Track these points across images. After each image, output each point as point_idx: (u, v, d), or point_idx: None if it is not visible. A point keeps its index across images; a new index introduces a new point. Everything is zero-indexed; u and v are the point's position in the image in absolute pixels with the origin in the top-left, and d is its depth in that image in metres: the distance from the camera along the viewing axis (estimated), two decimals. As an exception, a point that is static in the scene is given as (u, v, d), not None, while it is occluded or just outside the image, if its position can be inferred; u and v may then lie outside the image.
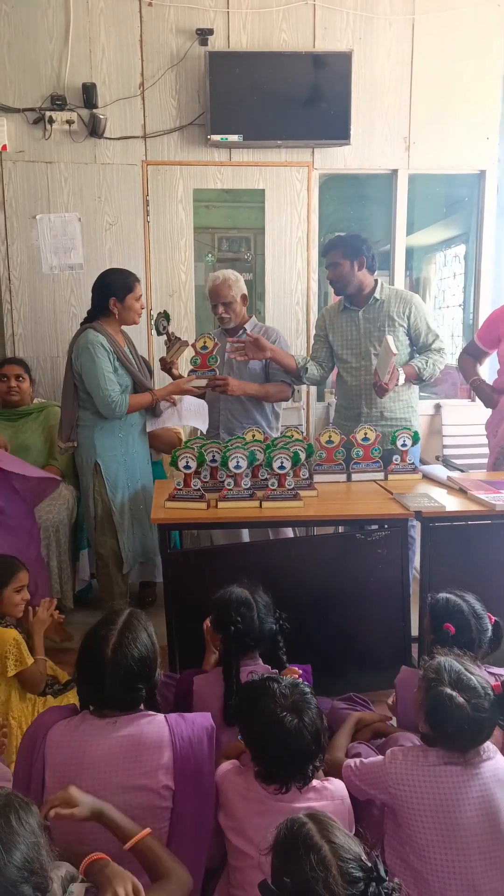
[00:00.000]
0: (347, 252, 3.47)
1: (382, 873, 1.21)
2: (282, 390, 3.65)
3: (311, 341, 3.98)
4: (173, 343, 3.50)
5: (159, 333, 3.51)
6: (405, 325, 3.52)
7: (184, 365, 3.66)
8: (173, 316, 3.54)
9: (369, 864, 1.22)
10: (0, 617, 2.67)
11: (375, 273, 3.60)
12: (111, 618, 1.86)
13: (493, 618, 2.25)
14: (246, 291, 3.63)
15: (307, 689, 1.76)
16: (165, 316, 3.49)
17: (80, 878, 1.38)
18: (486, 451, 3.79)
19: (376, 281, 3.57)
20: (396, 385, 3.39)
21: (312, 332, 4.43)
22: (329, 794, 1.74)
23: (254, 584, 2.32)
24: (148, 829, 1.58)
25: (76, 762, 1.71)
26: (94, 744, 1.73)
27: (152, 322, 3.48)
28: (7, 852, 1.13)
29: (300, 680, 1.82)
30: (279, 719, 1.67)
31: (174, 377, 3.56)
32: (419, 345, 3.56)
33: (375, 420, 3.54)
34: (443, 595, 2.29)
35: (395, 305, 3.51)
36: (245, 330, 3.61)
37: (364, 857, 1.24)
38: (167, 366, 3.52)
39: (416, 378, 3.50)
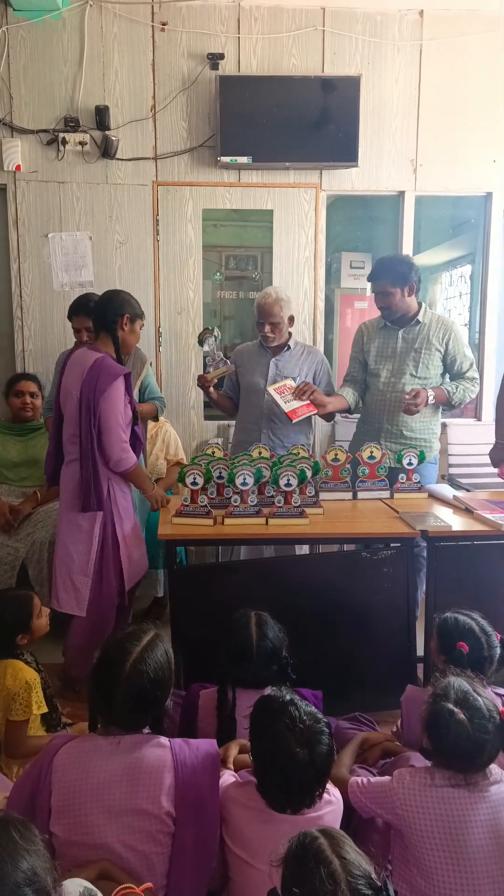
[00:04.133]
0: (397, 280, 3.45)
1: (391, 893, 1.24)
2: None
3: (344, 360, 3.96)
4: (219, 364, 3.50)
5: (202, 345, 3.52)
6: (441, 351, 3.53)
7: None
8: (181, 333, 3.53)
9: (378, 884, 1.23)
10: (22, 652, 2.55)
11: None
12: (137, 634, 1.86)
13: (500, 635, 2.25)
14: (294, 313, 3.65)
15: (322, 720, 1.72)
16: (216, 336, 3.51)
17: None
18: (491, 470, 3.79)
19: (420, 304, 3.57)
20: (426, 405, 3.40)
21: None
22: (325, 801, 1.73)
23: (263, 616, 2.27)
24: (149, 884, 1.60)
25: (80, 784, 1.71)
26: (98, 766, 1.72)
27: (196, 337, 3.49)
28: (12, 860, 1.18)
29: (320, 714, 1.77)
30: (288, 752, 1.64)
31: (209, 394, 3.63)
32: (454, 372, 3.58)
33: (395, 437, 3.56)
34: (451, 615, 2.28)
35: (436, 331, 3.52)
36: (289, 347, 3.63)
37: (374, 875, 1.25)
38: (207, 384, 3.54)
39: (446, 402, 3.52)
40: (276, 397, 3.44)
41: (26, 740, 2.43)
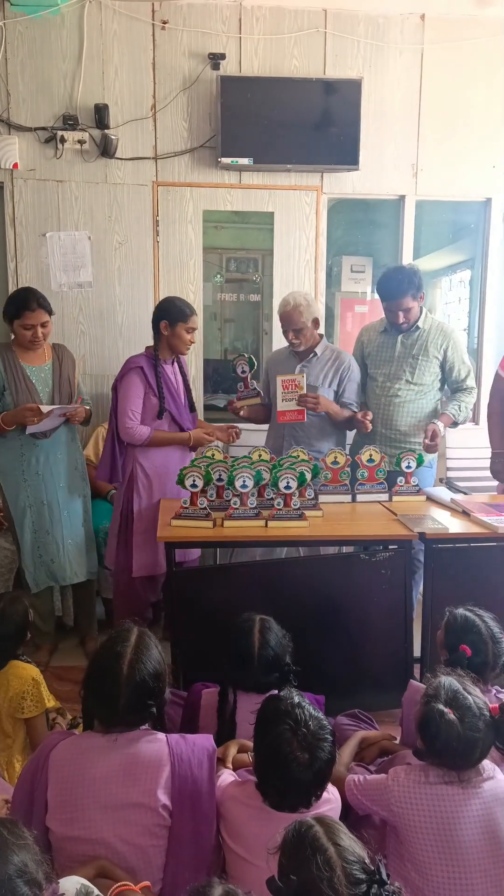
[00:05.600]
0: (416, 293, 3.47)
1: (384, 877, 1.26)
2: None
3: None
4: (251, 393, 3.60)
5: (233, 372, 3.60)
6: (439, 358, 3.54)
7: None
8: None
9: (372, 868, 1.27)
10: (20, 653, 2.61)
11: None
12: (123, 635, 1.86)
13: None
14: (318, 315, 3.60)
15: (326, 727, 1.71)
16: (251, 362, 3.55)
17: (96, 893, 1.41)
18: (489, 473, 3.79)
19: (420, 308, 3.58)
20: (441, 436, 3.48)
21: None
22: (324, 800, 1.74)
23: (267, 622, 2.26)
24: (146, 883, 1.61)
25: (77, 779, 1.72)
26: (95, 761, 1.74)
27: (232, 362, 3.57)
28: (2, 854, 1.23)
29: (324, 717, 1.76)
30: (289, 754, 1.64)
31: (239, 417, 3.70)
32: (451, 379, 3.59)
33: (392, 441, 3.58)
34: (461, 612, 2.27)
35: (435, 338, 3.53)
36: (316, 354, 3.59)
37: (367, 860, 1.28)
38: (237, 411, 3.63)
39: (452, 424, 3.58)
40: (279, 390, 3.47)
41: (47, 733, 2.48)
